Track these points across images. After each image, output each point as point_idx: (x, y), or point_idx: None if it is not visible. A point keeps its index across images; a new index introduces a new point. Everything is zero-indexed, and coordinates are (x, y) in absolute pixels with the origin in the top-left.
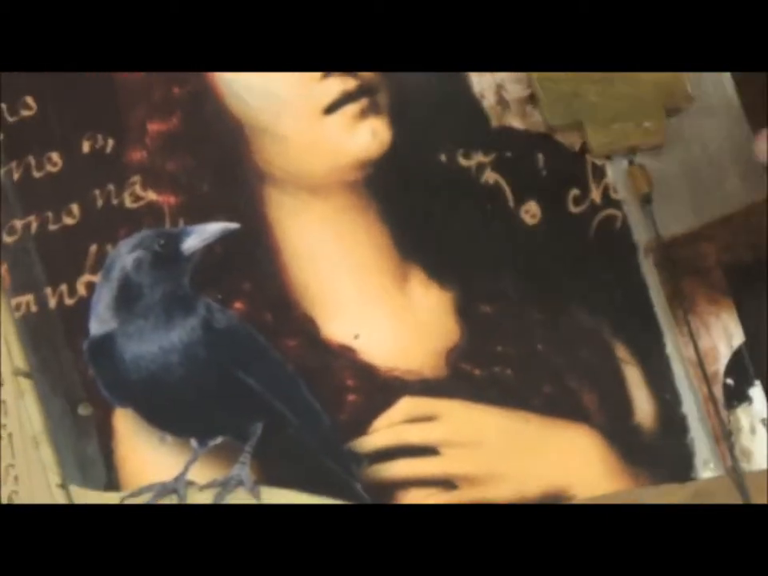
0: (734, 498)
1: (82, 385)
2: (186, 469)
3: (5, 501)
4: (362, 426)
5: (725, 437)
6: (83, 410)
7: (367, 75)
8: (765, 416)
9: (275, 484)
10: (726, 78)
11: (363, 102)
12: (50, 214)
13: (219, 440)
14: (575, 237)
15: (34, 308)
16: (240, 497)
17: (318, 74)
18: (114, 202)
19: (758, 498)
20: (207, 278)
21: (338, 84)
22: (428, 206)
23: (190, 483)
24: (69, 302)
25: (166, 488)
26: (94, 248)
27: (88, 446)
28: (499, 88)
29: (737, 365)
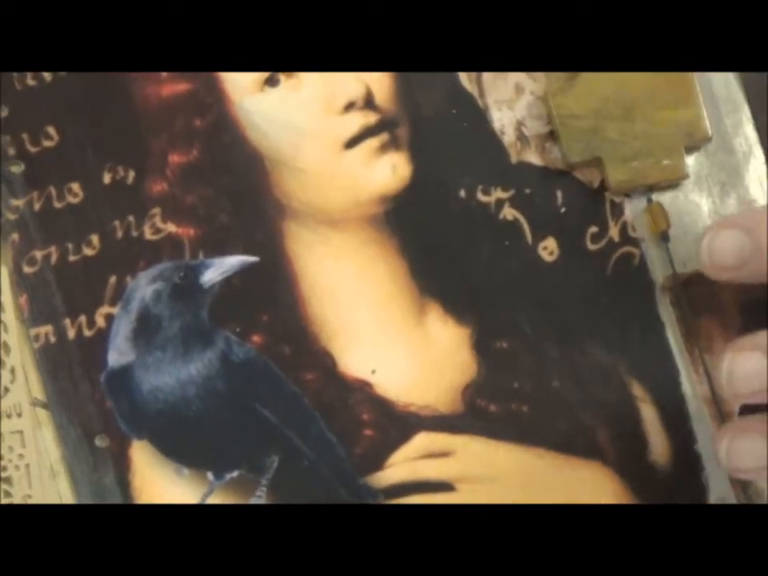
0: None
1: (99, 416)
2: (202, 502)
3: None
4: (377, 460)
5: None
6: (100, 442)
7: (387, 109)
8: None
9: None
10: (746, 115)
11: (383, 137)
12: (70, 245)
13: (236, 473)
14: (593, 274)
15: (52, 339)
16: None
17: (339, 108)
18: (134, 233)
19: None
20: (226, 311)
21: (358, 118)
22: (447, 241)
23: None
24: (88, 333)
25: None
26: (113, 279)
27: (104, 478)
28: (519, 124)
29: (751, 404)
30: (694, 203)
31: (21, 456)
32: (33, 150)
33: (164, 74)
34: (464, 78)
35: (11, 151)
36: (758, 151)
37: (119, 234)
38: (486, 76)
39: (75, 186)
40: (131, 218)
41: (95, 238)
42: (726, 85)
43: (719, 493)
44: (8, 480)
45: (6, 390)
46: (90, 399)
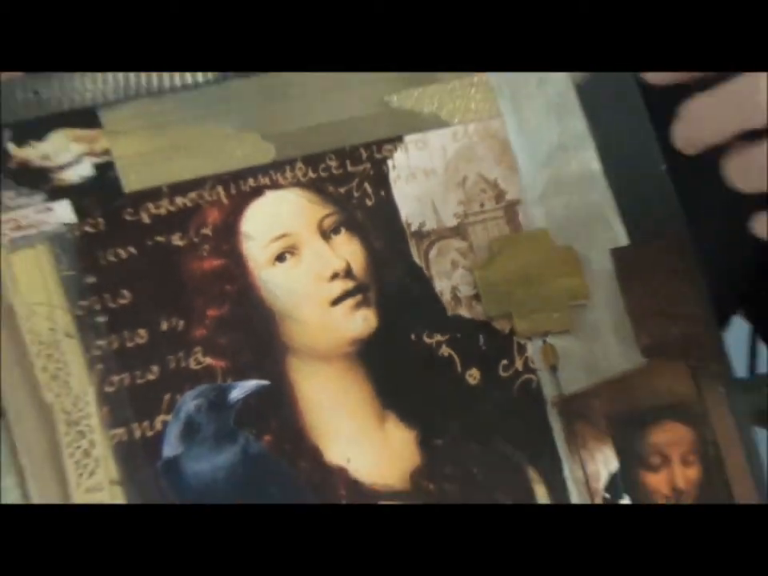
0: None
1: (157, 492)
2: None
3: None
4: None
5: None
6: None
7: (361, 277)
8: None
9: None
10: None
11: (358, 298)
12: (138, 372)
13: None
14: (504, 394)
15: (125, 438)
16: None
17: (327, 277)
18: (183, 364)
19: None
20: (246, 419)
21: (340, 284)
22: (401, 370)
23: None
24: (149, 433)
25: None
26: (168, 396)
27: None
28: (454, 289)
29: (612, 483)
30: (576, 344)
31: None
32: (112, 305)
33: (205, 251)
34: (415, 255)
35: (97, 306)
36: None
37: (172, 365)
38: (432, 255)
39: (142, 332)
40: (181, 354)
41: (155, 368)
42: (601, 260)
43: None
44: None
45: (92, 473)
46: (151, 480)
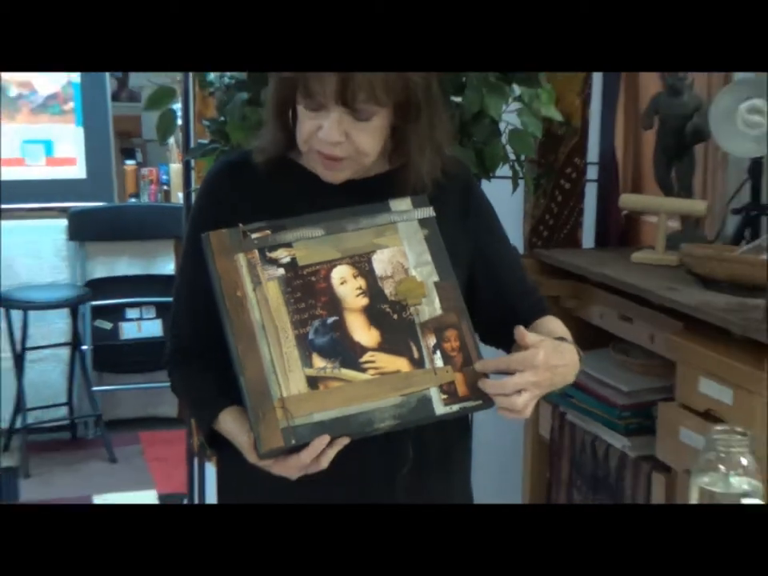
0: None
1: (307, 348)
2: None
3: None
4: (363, 352)
5: None
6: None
7: (364, 288)
8: None
9: None
10: None
11: (363, 294)
12: (302, 314)
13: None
14: (405, 319)
15: (297, 332)
16: None
17: (355, 288)
18: (315, 313)
19: None
20: (332, 327)
21: (358, 291)
22: (373, 313)
23: None
24: (303, 332)
25: None
26: (310, 321)
27: None
28: (390, 292)
29: (435, 346)
30: (426, 307)
31: None
32: (296, 296)
33: (322, 281)
34: (380, 283)
35: (298, 296)
36: None
37: (312, 312)
38: (385, 283)
39: (303, 303)
40: (313, 309)
41: (307, 313)
42: (431, 286)
43: None
44: None
45: (286, 345)
46: (308, 344)
